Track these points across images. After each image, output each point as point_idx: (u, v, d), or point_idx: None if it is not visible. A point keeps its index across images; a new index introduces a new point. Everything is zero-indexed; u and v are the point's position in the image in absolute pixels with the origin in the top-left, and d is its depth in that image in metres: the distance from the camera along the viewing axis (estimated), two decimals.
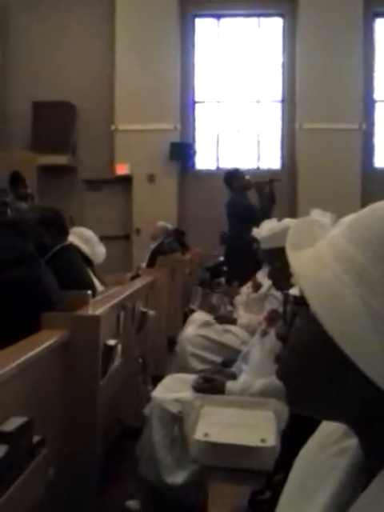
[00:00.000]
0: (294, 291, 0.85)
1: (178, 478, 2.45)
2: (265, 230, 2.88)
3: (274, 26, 12.59)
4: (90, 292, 3.12)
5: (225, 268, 8.07)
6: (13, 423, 1.77)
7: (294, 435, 1.23)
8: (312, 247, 0.81)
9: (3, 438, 1.70)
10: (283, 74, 12.53)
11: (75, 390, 2.40)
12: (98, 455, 2.55)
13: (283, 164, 12.41)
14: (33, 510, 1.84)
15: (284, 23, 12.49)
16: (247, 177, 7.26)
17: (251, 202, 7.14)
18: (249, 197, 7.29)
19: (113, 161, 12.04)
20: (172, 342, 4.77)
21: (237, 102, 12.65)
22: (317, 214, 2.78)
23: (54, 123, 11.49)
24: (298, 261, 0.79)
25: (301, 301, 0.80)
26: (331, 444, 0.90)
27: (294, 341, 0.83)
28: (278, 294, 3.09)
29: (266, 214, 6.60)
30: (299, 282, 0.76)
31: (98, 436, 2.52)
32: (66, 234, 3.82)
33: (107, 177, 12.10)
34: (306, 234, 0.85)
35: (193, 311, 5.02)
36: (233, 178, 7.17)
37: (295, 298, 0.84)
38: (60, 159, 11.59)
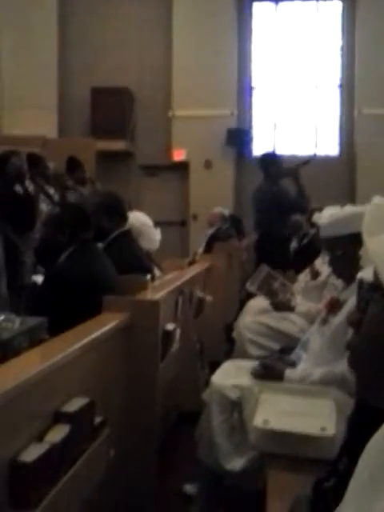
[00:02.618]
0: (367, 277, 0.83)
1: (236, 464, 2.45)
2: (325, 217, 2.83)
3: (332, 9, 12.34)
4: (149, 276, 3.14)
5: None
6: (75, 404, 1.80)
7: (360, 423, 1.21)
8: None
9: (66, 418, 1.73)
10: (342, 59, 12.28)
11: (135, 373, 2.42)
12: (156, 438, 2.57)
13: (341, 150, 12.19)
14: (95, 488, 1.86)
15: (343, 6, 12.21)
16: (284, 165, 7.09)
17: (291, 194, 6.93)
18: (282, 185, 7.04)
19: (170, 147, 12.05)
20: (228, 328, 4.77)
21: (294, 87, 12.48)
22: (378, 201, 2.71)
23: (112, 109, 11.56)
24: (375, 246, 0.77)
25: (375, 287, 0.78)
26: None
27: (367, 328, 0.81)
28: (338, 281, 3.04)
29: (304, 201, 6.52)
30: (376, 268, 0.74)
31: (156, 419, 2.54)
32: (125, 219, 3.84)
33: (164, 163, 12.14)
34: (381, 219, 0.83)
35: (249, 295, 4.97)
36: (271, 163, 6.98)
37: (370, 284, 0.82)
38: (118, 145, 11.67)
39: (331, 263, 2.86)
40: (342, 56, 12.25)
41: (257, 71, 12.53)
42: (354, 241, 1.55)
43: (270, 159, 7.14)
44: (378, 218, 0.84)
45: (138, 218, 4.09)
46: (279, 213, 6.66)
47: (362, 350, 0.81)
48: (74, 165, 7.88)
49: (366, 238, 0.80)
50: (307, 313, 3.72)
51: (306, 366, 2.66)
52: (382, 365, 0.79)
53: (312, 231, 6.19)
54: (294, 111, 12.44)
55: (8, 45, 11.88)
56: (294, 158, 11.98)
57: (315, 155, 7.37)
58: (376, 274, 0.78)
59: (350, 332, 0.91)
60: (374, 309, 0.81)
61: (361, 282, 0.87)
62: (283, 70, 12.45)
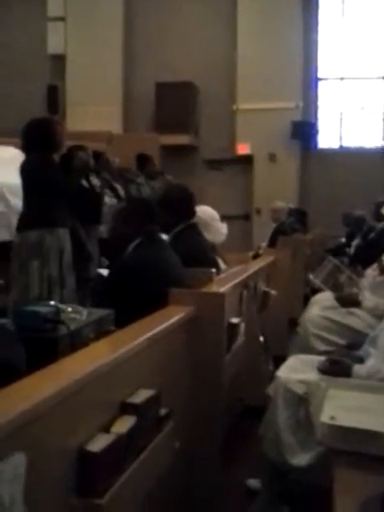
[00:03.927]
0: None
1: (302, 459, 2.42)
2: None
3: None
4: (214, 270, 3.13)
5: (347, 249, 7.88)
6: (141, 395, 1.81)
7: None
8: None
9: (133, 409, 1.74)
10: None
11: (200, 366, 2.42)
12: (220, 431, 2.56)
13: None
14: (159, 480, 1.87)
15: None
16: None
17: None
18: None
19: (234, 140, 12.01)
20: (293, 322, 4.72)
21: (361, 79, 12.22)
22: None
23: (176, 104, 11.60)
24: None
25: None
26: None
27: None
28: None
29: None
30: None
31: (221, 412, 2.53)
32: (192, 212, 3.84)
33: (228, 156, 12.11)
34: None
35: (313, 289, 4.90)
36: None
37: None
38: (182, 139, 11.71)
39: None
40: None
41: (323, 63, 12.35)
42: None
43: None
44: None
45: (204, 212, 4.09)
46: None
47: None
48: (143, 160, 7.96)
49: None
50: (375, 308, 3.64)
51: (374, 362, 2.60)
52: None
53: (379, 225, 6.06)
54: (361, 103, 12.19)
55: (74, 41, 12.07)
56: (361, 150, 11.80)
57: None
58: None
59: None
60: None
61: None
62: (350, 61, 12.21)
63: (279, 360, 3.10)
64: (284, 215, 8.27)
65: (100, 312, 2.31)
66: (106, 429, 1.63)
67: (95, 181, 5.73)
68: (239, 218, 11.98)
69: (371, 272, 4.30)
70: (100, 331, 2.17)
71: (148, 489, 1.81)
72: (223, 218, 4.61)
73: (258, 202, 11.65)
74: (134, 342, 1.81)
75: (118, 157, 7.45)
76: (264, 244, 7.64)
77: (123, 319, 2.16)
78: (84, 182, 5.39)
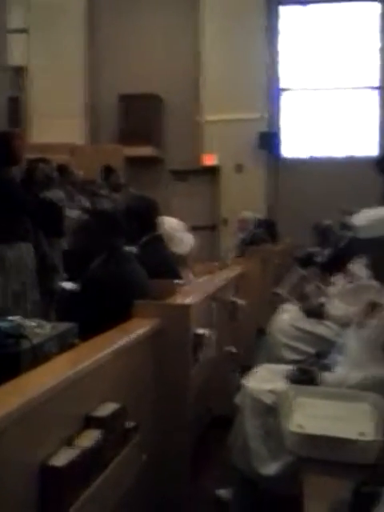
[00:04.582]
0: None
1: (271, 468, 2.40)
2: (362, 218, 2.76)
3: (368, 10, 12.17)
4: (179, 281, 3.11)
5: (317, 258, 7.92)
6: (106, 408, 1.79)
7: None
8: None
9: (98, 423, 1.72)
10: (382, 60, 12.12)
11: (166, 378, 2.40)
12: (188, 442, 2.55)
13: (382, 152, 11.98)
14: (126, 494, 1.84)
15: (383, 7, 12.06)
16: None
17: None
18: None
19: (200, 151, 12.05)
20: (261, 332, 4.72)
21: (326, 89, 12.38)
22: None
23: (140, 115, 11.62)
24: None
25: None
26: None
27: None
28: (376, 284, 2.97)
29: None
30: None
31: (188, 423, 2.52)
32: (156, 224, 3.83)
33: (194, 167, 12.14)
34: None
35: (278, 295, 4.91)
36: None
37: None
38: (146, 151, 11.71)
39: (370, 265, 2.80)
40: (382, 57, 12.11)
41: (287, 74, 12.48)
42: None
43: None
44: None
45: (168, 223, 4.07)
46: None
47: None
48: (108, 172, 7.94)
49: None
50: (342, 317, 3.65)
51: (342, 369, 2.60)
52: None
53: (347, 233, 6.11)
54: (326, 113, 12.35)
55: (36, 53, 12.01)
56: (328, 159, 11.92)
57: None
58: None
59: None
60: None
61: None
62: (315, 71, 12.36)
63: (248, 370, 3.09)
64: (252, 225, 8.29)
65: (63, 326, 2.28)
66: (70, 443, 1.61)
67: (59, 194, 5.70)
68: (205, 229, 11.99)
69: (340, 280, 4.32)
70: (64, 345, 2.14)
71: (115, 502, 1.78)
72: (190, 228, 4.60)
73: (225, 213, 11.68)
74: (97, 355, 1.79)
75: (81, 169, 7.43)
76: (231, 254, 7.65)
77: (89, 333, 2.14)
78: (47, 196, 5.35)
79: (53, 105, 11.66)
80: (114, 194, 7.65)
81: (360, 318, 2.70)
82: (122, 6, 12.19)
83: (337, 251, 6.34)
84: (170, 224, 4.21)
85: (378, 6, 12.15)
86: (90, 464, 1.61)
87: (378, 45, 12.18)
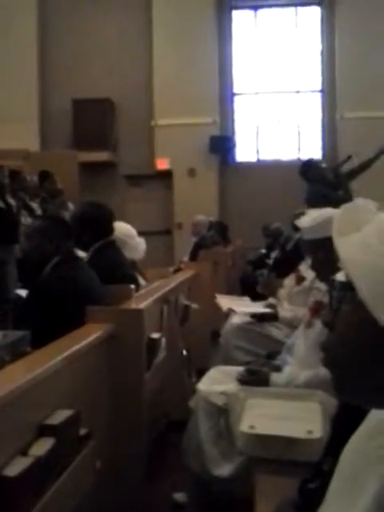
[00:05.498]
0: (340, 277, 0.84)
1: (224, 470, 2.44)
2: (307, 220, 2.84)
3: (311, 14, 12.43)
4: (133, 286, 3.13)
5: (267, 260, 8.02)
6: (60, 416, 1.79)
7: (344, 423, 1.21)
8: (358, 232, 0.80)
9: (51, 431, 1.72)
10: (322, 64, 12.37)
11: (120, 383, 2.41)
12: (144, 448, 2.56)
13: (324, 154, 12.26)
14: (81, 501, 1.85)
15: (322, 11, 12.32)
16: (324, 165, 7.09)
17: (327, 191, 6.88)
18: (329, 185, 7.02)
19: (153, 156, 12.07)
20: (215, 335, 4.77)
21: (276, 93, 12.55)
22: (360, 203, 2.73)
23: (94, 120, 11.58)
24: (345, 246, 0.78)
25: (347, 286, 0.79)
26: (379, 434, 0.89)
27: (340, 327, 0.81)
28: (322, 285, 3.04)
29: (348, 199, 6.48)
30: (346, 267, 0.75)
31: (143, 428, 2.53)
32: (111, 230, 3.83)
33: (148, 172, 12.16)
34: (351, 219, 0.84)
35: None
36: (308, 169, 6.99)
37: (341, 283, 0.83)
38: (101, 156, 11.68)
39: (314, 266, 2.86)
40: (323, 61, 12.36)
41: (238, 78, 12.60)
42: None
43: (306, 166, 7.16)
44: (348, 219, 0.85)
45: (120, 229, 4.07)
46: None
47: (336, 349, 0.82)
48: (43, 177, 7.86)
49: (335, 239, 0.81)
50: (292, 320, 3.72)
51: (291, 369, 2.66)
52: (355, 364, 0.79)
53: (296, 235, 6.20)
54: (276, 116, 12.51)
55: None
56: (278, 162, 12.08)
57: (351, 156, 7.45)
58: (347, 274, 0.79)
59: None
60: (347, 308, 0.81)
61: (332, 281, 0.88)
62: (264, 76, 12.53)
63: (203, 373, 3.13)
64: (204, 229, 8.34)
65: (16, 334, 2.28)
66: (24, 452, 1.61)
67: (12, 201, 5.66)
68: (161, 233, 12.02)
69: (289, 282, 4.39)
70: (16, 353, 2.14)
71: (71, 510, 1.79)
72: (144, 233, 4.61)
73: (179, 217, 11.73)
74: (49, 363, 1.79)
75: (35, 175, 7.36)
76: (186, 258, 7.69)
77: (43, 341, 2.14)
78: None
79: (5, 110, 11.51)
80: (50, 199, 7.57)
81: (308, 318, 2.76)
82: (74, 11, 12.14)
83: (285, 253, 6.44)
84: (123, 230, 4.22)
85: (317, 10, 12.38)
86: (43, 473, 1.61)
87: (319, 48, 12.43)
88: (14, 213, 5.29)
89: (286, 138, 12.51)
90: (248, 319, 4.17)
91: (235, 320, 4.28)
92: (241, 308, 4.41)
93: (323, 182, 6.85)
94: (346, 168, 7.27)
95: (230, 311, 4.36)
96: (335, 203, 6.58)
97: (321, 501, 1.00)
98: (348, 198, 6.68)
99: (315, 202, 6.72)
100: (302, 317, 3.34)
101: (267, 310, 4.19)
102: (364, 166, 7.52)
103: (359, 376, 0.79)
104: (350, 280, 0.75)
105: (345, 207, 0.88)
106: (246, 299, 4.93)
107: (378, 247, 0.75)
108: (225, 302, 4.55)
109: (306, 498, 1.33)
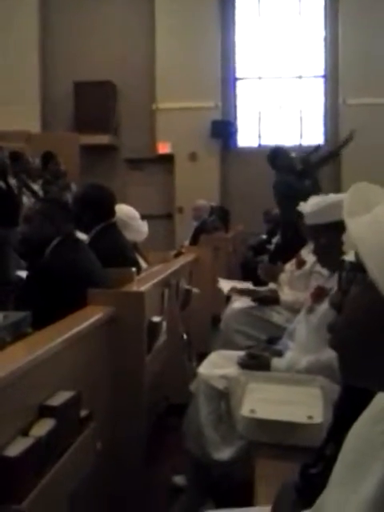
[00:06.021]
0: (350, 257, 0.82)
1: (224, 454, 2.45)
2: (309, 205, 2.83)
3: (315, 1, 12.33)
4: (134, 269, 3.12)
5: (268, 246, 8.02)
6: (60, 397, 1.79)
7: (346, 408, 1.21)
8: (369, 213, 0.79)
9: (51, 412, 1.72)
10: (325, 49, 12.30)
11: (121, 366, 2.41)
12: (144, 430, 2.57)
13: (326, 140, 12.22)
14: (81, 483, 1.85)
15: None
16: (293, 154, 7.08)
17: (293, 180, 6.91)
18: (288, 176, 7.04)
19: (154, 140, 12.03)
20: (216, 319, 4.77)
21: (278, 78, 12.48)
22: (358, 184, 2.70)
23: (95, 103, 11.53)
24: (356, 226, 0.77)
25: (357, 267, 0.77)
26: (383, 419, 0.88)
27: (349, 309, 0.80)
28: (324, 270, 3.04)
29: (316, 189, 6.49)
30: (357, 247, 0.74)
31: (143, 411, 2.53)
32: (112, 212, 3.82)
33: (149, 156, 12.12)
34: (362, 200, 0.83)
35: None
36: (276, 157, 6.98)
37: (351, 264, 0.81)
38: (102, 139, 11.64)
39: (316, 251, 2.85)
40: (326, 47, 12.28)
41: (240, 63, 12.53)
42: (338, 228, 1.54)
43: (274, 154, 7.11)
44: (358, 199, 0.84)
45: (122, 211, 4.07)
46: (292, 203, 6.66)
47: (344, 331, 0.81)
48: (47, 158, 7.83)
49: (346, 219, 0.80)
50: (293, 304, 3.72)
51: (292, 354, 2.66)
52: (363, 346, 0.78)
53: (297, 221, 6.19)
54: (279, 102, 12.45)
55: None
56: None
57: (320, 145, 7.44)
58: (357, 255, 0.78)
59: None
60: (356, 289, 0.80)
61: (342, 262, 0.87)
62: (267, 61, 12.45)
63: (203, 357, 3.13)
64: (205, 213, 8.33)
65: (16, 315, 2.27)
66: (25, 433, 1.61)
67: (13, 182, 5.64)
68: (162, 218, 12.00)
69: (290, 267, 4.38)
70: (17, 334, 2.14)
71: (70, 491, 1.79)
72: (145, 217, 4.60)
73: (180, 201, 11.71)
74: (50, 344, 1.79)
75: (36, 156, 7.33)
76: (186, 242, 7.68)
77: (44, 321, 2.13)
78: (1, 183, 5.28)
79: (7, 93, 11.46)
80: (54, 180, 7.55)
81: (309, 303, 2.76)
82: None
83: (287, 239, 6.44)
84: (124, 212, 4.21)
85: None
86: (44, 454, 1.61)
87: (323, 34, 12.34)
88: (16, 194, 5.27)
89: (288, 123, 12.46)
90: (249, 303, 4.17)
91: (237, 304, 4.27)
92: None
93: (291, 171, 6.83)
94: (314, 157, 7.23)
95: (232, 293, 4.35)
96: (302, 193, 6.67)
97: (323, 486, 0.99)
98: (316, 187, 6.70)
99: (281, 190, 6.74)
100: (303, 301, 3.33)
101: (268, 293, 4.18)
102: (332, 155, 7.51)
103: (367, 358, 0.78)
104: (361, 260, 0.74)
105: (355, 187, 0.87)
106: (247, 284, 4.93)
107: None
108: (226, 285, 4.55)
109: (308, 482, 1.33)
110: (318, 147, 7.33)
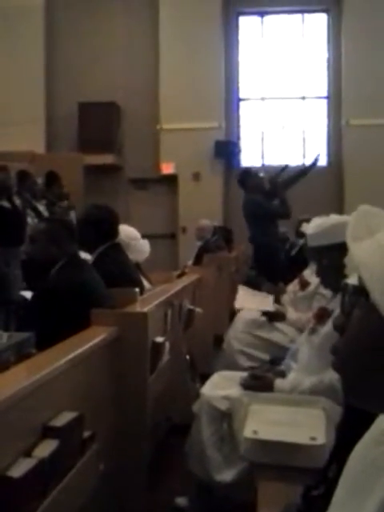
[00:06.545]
0: (352, 281, 0.84)
1: (227, 475, 2.44)
2: (311, 226, 2.84)
3: (318, 21, 12.46)
4: (137, 289, 3.13)
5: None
6: (63, 418, 1.79)
7: (349, 430, 1.21)
8: (372, 237, 0.80)
9: (54, 433, 1.72)
10: (328, 70, 12.39)
11: (124, 387, 2.41)
12: (146, 451, 2.56)
13: (329, 161, 12.27)
14: (84, 504, 1.85)
15: (329, 18, 12.34)
16: (261, 174, 7.23)
17: (262, 200, 7.04)
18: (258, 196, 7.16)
19: (158, 160, 12.08)
20: (219, 340, 4.77)
21: (281, 99, 12.56)
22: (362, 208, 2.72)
23: (99, 123, 11.59)
24: (359, 251, 0.78)
25: (360, 290, 0.79)
26: None
27: (352, 331, 0.81)
28: (327, 291, 3.05)
29: (286, 210, 6.63)
30: (360, 271, 0.76)
31: (146, 432, 2.53)
32: (116, 232, 3.84)
33: (153, 176, 12.16)
34: (365, 224, 0.84)
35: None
36: (247, 178, 7.13)
37: (354, 287, 0.83)
38: (106, 159, 11.69)
39: (319, 273, 2.86)
40: (329, 68, 12.37)
41: (244, 83, 12.61)
42: (341, 250, 1.56)
43: (244, 175, 7.35)
44: (363, 223, 0.85)
45: (122, 232, 4.08)
46: (261, 223, 6.81)
47: (347, 353, 0.82)
48: (52, 179, 7.87)
49: (350, 244, 0.82)
50: (296, 321, 3.72)
51: (295, 375, 2.66)
52: (366, 368, 0.80)
53: (300, 242, 6.22)
54: (282, 122, 12.51)
55: None
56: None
57: (287, 166, 7.56)
58: (360, 278, 0.80)
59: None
60: (359, 312, 0.82)
61: (345, 285, 0.88)
62: (270, 82, 12.53)
63: (206, 378, 3.12)
64: (209, 233, 8.35)
65: (21, 335, 2.28)
66: (28, 453, 1.61)
67: (18, 202, 5.67)
68: (165, 237, 12.02)
69: (292, 288, 4.39)
70: (21, 355, 2.14)
71: None
72: (149, 237, 4.62)
73: (184, 221, 11.72)
74: (54, 365, 1.79)
75: (41, 177, 7.37)
76: (190, 262, 7.69)
77: (47, 342, 2.14)
78: (5, 203, 5.31)
79: (12, 113, 11.55)
80: (58, 202, 7.58)
81: (312, 324, 2.76)
82: (81, 14, 12.17)
83: (289, 259, 6.47)
84: (125, 233, 4.22)
85: (324, 16, 12.41)
86: (47, 474, 1.61)
87: (326, 55, 12.45)
88: (21, 214, 5.30)
89: (291, 143, 12.51)
90: (253, 321, 4.17)
91: (239, 325, 4.27)
92: (252, 305, 4.40)
93: (260, 191, 7.00)
94: (282, 177, 7.34)
95: (241, 309, 4.36)
96: (270, 212, 6.78)
97: (325, 508, 0.99)
98: (284, 207, 6.82)
99: (250, 209, 6.92)
100: (304, 322, 3.34)
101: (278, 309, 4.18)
102: (299, 175, 7.59)
103: (370, 380, 0.79)
104: (363, 284, 0.75)
105: (359, 212, 0.88)
106: (263, 294, 4.85)
107: None
108: (243, 295, 4.54)
109: (310, 504, 1.32)
110: (285, 167, 7.44)
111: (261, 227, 6.82)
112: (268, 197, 7.00)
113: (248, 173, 7.33)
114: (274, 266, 6.51)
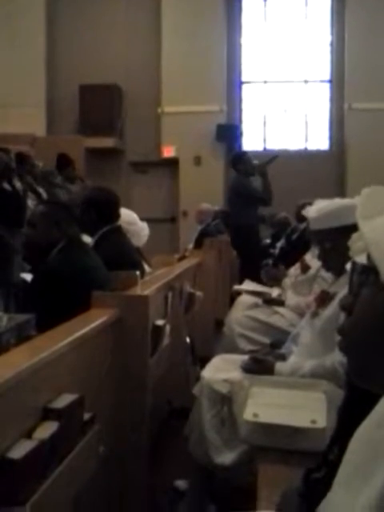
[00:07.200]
0: (361, 260, 0.83)
1: (226, 458, 2.45)
2: (314, 210, 2.82)
3: (321, 4, 12.35)
4: (138, 272, 3.12)
5: (272, 250, 8.03)
6: (64, 400, 1.79)
7: (350, 413, 1.21)
8: (382, 216, 0.79)
9: (54, 415, 1.72)
10: (331, 54, 12.30)
11: (125, 369, 2.41)
12: (146, 434, 2.56)
13: (331, 145, 12.23)
14: (84, 486, 1.85)
15: (332, 2, 12.23)
16: (255, 162, 7.29)
17: (253, 186, 7.28)
18: (252, 181, 7.41)
19: (159, 143, 12.04)
20: (219, 323, 4.77)
21: (284, 83, 12.49)
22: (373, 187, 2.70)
23: (100, 106, 11.54)
24: (369, 229, 0.77)
25: (369, 270, 0.78)
26: None
27: (359, 311, 0.81)
28: (327, 275, 3.04)
29: (269, 197, 6.78)
30: (370, 250, 0.74)
31: (146, 414, 2.53)
32: (117, 215, 3.83)
33: (154, 159, 12.12)
34: (375, 203, 0.83)
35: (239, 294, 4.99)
36: (239, 162, 7.21)
37: (363, 266, 0.82)
38: (107, 142, 11.66)
39: (321, 256, 2.85)
40: (332, 51, 12.29)
41: (246, 66, 12.54)
42: (343, 233, 1.55)
43: (237, 158, 7.49)
44: (373, 201, 0.84)
45: (123, 215, 4.06)
46: (242, 204, 6.97)
47: (355, 334, 0.81)
48: (63, 162, 7.86)
49: (360, 222, 0.81)
50: (297, 306, 3.73)
51: (296, 359, 2.66)
52: (373, 348, 0.79)
53: (301, 226, 6.21)
54: (284, 106, 12.45)
55: None
56: (285, 152, 12.05)
57: (278, 156, 7.57)
58: (369, 257, 0.79)
59: (341, 321, 0.91)
60: (367, 292, 0.81)
61: (354, 265, 0.87)
62: (273, 65, 12.46)
63: (206, 361, 3.13)
64: (209, 217, 8.34)
65: (21, 317, 2.28)
66: (29, 435, 1.61)
67: (19, 184, 5.64)
68: (166, 221, 12.01)
69: (293, 271, 4.39)
70: (21, 337, 2.14)
71: (73, 494, 1.79)
72: (149, 220, 4.60)
73: (185, 205, 11.70)
74: (55, 347, 1.79)
75: (41, 159, 7.35)
76: (190, 246, 7.68)
77: (48, 324, 2.14)
78: (6, 185, 5.29)
79: (13, 95, 11.49)
80: (68, 185, 7.57)
81: (313, 308, 2.75)
82: None
83: (291, 243, 6.47)
84: (123, 217, 4.20)
85: (328, 0, 12.30)
86: (47, 456, 1.61)
87: (329, 38, 12.35)
88: (21, 196, 5.28)
89: (293, 127, 12.46)
90: (254, 305, 4.17)
91: (240, 308, 4.28)
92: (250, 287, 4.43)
93: (248, 175, 7.25)
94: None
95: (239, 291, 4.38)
96: (252, 195, 6.94)
97: (326, 490, 0.99)
98: (266, 194, 7.09)
99: (235, 189, 7.25)
100: (305, 306, 3.34)
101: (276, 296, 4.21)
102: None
103: (376, 360, 0.78)
104: (373, 263, 0.74)
105: (369, 191, 0.87)
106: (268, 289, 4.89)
107: None
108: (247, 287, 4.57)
109: (311, 487, 1.32)
110: (275, 157, 7.44)
111: (241, 208, 7.00)
112: (254, 181, 7.32)
113: (241, 157, 7.42)
114: (251, 248, 6.68)
